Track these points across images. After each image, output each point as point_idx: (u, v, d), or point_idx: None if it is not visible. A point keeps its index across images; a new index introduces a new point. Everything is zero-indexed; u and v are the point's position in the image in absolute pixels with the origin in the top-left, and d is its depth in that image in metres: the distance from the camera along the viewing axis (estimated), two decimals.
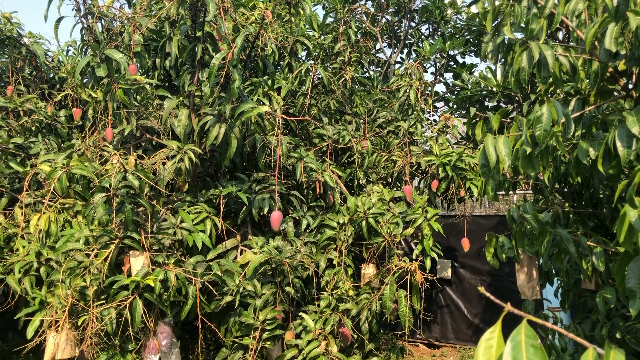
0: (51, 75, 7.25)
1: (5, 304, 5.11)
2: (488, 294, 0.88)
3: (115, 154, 4.09)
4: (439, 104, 9.69)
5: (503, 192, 3.52)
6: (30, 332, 4.38)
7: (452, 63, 9.36)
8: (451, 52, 9.11)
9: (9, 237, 5.40)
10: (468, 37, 8.96)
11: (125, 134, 5.10)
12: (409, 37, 9.61)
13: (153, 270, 4.10)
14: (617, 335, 2.99)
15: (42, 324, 4.34)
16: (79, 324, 4.08)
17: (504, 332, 0.89)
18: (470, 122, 3.13)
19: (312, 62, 6.58)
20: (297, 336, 4.99)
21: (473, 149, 6.40)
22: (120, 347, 4.29)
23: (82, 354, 4.27)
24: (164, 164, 4.68)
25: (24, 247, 5.11)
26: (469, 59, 44.84)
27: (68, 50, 7.48)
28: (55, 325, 4.20)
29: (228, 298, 4.57)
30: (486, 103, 8.04)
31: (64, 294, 4.15)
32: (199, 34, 5.02)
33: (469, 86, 7.79)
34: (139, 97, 5.36)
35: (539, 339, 0.80)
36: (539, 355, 0.77)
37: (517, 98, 6.66)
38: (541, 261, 3.15)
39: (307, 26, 7.67)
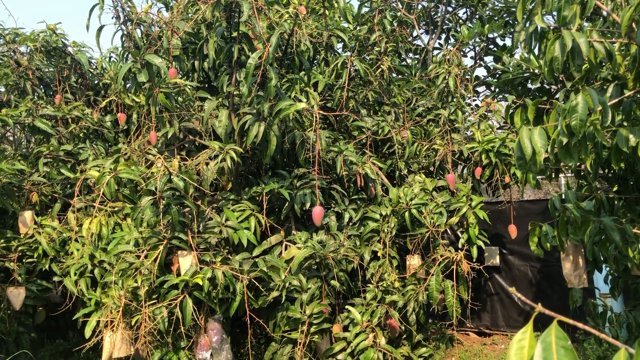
0: (95, 82, 7.48)
1: (64, 305, 5.35)
2: (519, 295, 0.88)
3: (159, 157, 4.20)
4: (480, 89, 9.51)
5: (546, 178, 3.45)
6: (88, 332, 4.57)
7: (492, 46, 9.16)
8: (490, 35, 8.91)
9: (64, 241, 5.63)
10: (507, 18, 8.74)
11: (169, 136, 5.23)
12: (446, 22, 9.44)
13: (201, 269, 4.21)
14: None
15: (99, 323, 4.52)
16: (133, 323, 4.23)
17: (546, 324, 0.89)
18: (509, 110, 3.07)
19: (348, 54, 6.57)
20: (345, 329, 5.02)
21: (516, 134, 6.26)
22: (172, 345, 4.42)
23: (137, 352, 4.43)
24: (207, 164, 4.78)
25: (78, 250, 5.32)
26: (509, 41, 43.62)
27: (110, 57, 7.71)
28: (110, 325, 4.37)
29: (275, 293, 4.65)
30: (529, 85, 7.84)
31: (117, 294, 4.30)
32: (234, 34, 5.09)
33: (510, 69, 7.61)
34: (180, 100, 5.48)
35: (569, 341, 0.80)
36: (569, 356, 0.77)
37: (561, 79, 6.47)
38: (586, 249, 3.08)
39: (341, 18, 7.64)
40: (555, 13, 2.14)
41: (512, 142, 5.87)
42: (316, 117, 4.57)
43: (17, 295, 5.63)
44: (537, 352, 0.77)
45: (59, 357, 7.09)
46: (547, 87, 6.97)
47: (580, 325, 0.85)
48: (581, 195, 2.93)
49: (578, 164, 3.02)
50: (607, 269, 3.55)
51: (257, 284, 4.41)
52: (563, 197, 2.75)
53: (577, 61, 2.05)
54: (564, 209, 2.64)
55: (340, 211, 5.47)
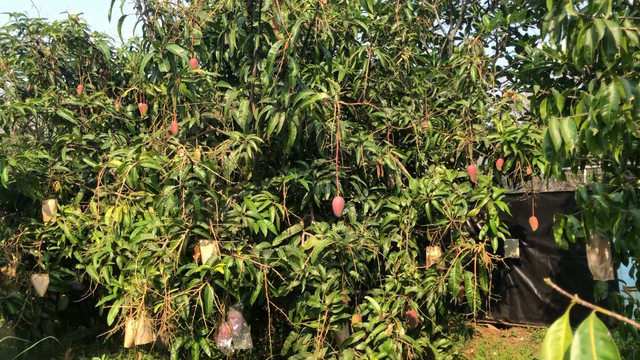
0: (117, 72, 7.54)
1: (86, 293, 5.43)
2: (555, 286, 0.87)
3: (181, 147, 4.23)
4: (502, 79, 9.40)
5: (571, 169, 3.40)
6: (110, 319, 4.64)
7: (513, 36, 9.04)
8: (512, 25, 8.80)
9: (86, 229, 5.71)
10: (530, 8, 8.61)
11: (190, 126, 5.26)
12: (467, 11, 9.34)
13: (222, 258, 4.24)
14: None
15: (121, 311, 4.58)
16: (155, 311, 4.28)
17: (573, 317, 0.88)
18: (534, 100, 3.02)
19: (369, 44, 6.53)
20: (364, 319, 5.03)
21: (538, 125, 6.18)
22: (194, 332, 4.47)
23: (158, 339, 4.49)
24: (227, 154, 4.80)
25: (100, 238, 5.39)
26: (532, 31, 43.05)
27: (131, 47, 7.76)
28: (132, 312, 4.43)
29: (295, 283, 4.67)
30: (551, 76, 7.72)
31: (139, 282, 4.36)
32: (255, 24, 5.08)
33: (533, 59, 7.51)
34: (200, 90, 5.50)
35: (609, 332, 0.78)
36: (609, 348, 0.76)
37: (584, 69, 6.36)
38: (614, 241, 3.04)
39: (362, 8, 7.59)
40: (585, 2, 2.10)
41: (534, 134, 5.81)
42: (337, 107, 4.56)
43: (41, 282, 5.73)
44: (574, 343, 0.76)
45: (81, 343, 7.22)
46: (570, 77, 6.87)
47: (618, 316, 0.83)
48: (608, 186, 2.89)
49: (605, 157, 2.98)
50: (634, 261, 3.50)
51: (277, 273, 4.43)
52: (590, 188, 2.71)
53: (609, 50, 2.01)
54: (591, 200, 2.61)
55: (359, 202, 5.46)
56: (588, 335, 0.77)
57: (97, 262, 5.18)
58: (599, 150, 2.01)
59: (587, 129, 2.00)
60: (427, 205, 5.27)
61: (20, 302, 5.92)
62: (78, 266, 5.76)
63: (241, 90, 5.21)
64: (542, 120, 5.59)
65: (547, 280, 0.92)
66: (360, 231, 5.17)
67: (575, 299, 0.84)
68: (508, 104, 6.55)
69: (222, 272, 4.11)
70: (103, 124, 6.77)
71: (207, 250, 4.32)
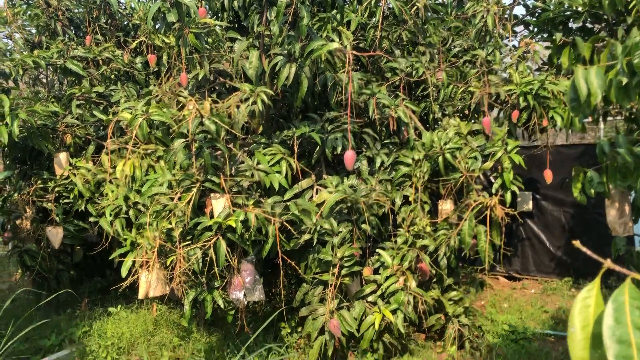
0: (125, 22, 7.40)
1: (100, 245, 5.48)
2: (585, 249, 0.82)
3: (190, 99, 4.16)
4: (518, 28, 9.10)
5: (592, 121, 3.31)
6: (124, 272, 4.69)
7: None
8: None
9: (98, 182, 5.72)
10: None
11: (199, 78, 5.17)
12: None
13: (234, 211, 4.23)
14: None
15: (134, 263, 4.63)
16: (167, 264, 4.31)
17: (586, 271, 0.83)
18: (555, 50, 2.90)
19: None
20: (375, 272, 5.05)
21: (556, 75, 6.00)
22: (207, 285, 4.51)
23: (172, 291, 4.54)
24: (238, 107, 4.73)
25: (112, 191, 5.40)
26: None
27: None
28: (146, 265, 4.47)
29: (306, 236, 4.67)
30: (570, 24, 7.46)
31: (152, 236, 4.37)
32: None
33: (551, 7, 7.24)
34: (210, 40, 5.38)
35: None
36: None
37: (605, 17, 6.12)
38: (633, 195, 2.97)
39: None
40: None
41: (551, 84, 5.64)
42: (349, 58, 4.44)
43: (55, 235, 5.80)
44: (607, 312, 0.71)
45: (97, 294, 7.36)
46: (590, 26, 6.63)
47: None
48: (632, 139, 2.79)
49: (630, 108, 2.88)
50: None
51: (289, 227, 4.43)
52: (612, 141, 2.61)
53: None
54: (614, 153, 2.52)
55: (371, 155, 5.39)
56: (623, 303, 0.72)
57: (110, 215, 5.21)
58: (627, 100, 1.91)
59: (615, 78, 1.90)
60: (440, 158, 5.20)
61: (36, 254, 6.02)
62: (91, 219, 5.81)
63: (251, 40, 5.08)
64: (560, 70, 5.42)
65: (576, 243, 0.87)
66: (372, 185, 5.13)
67: (608, 263, 0.79)
68: (525, 54, 6.35)
69: (234, 225, 4.11)
70: (112, 76, 6.70)
71: (219, 204, 4.30)
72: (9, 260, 7.42)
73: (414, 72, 5.87)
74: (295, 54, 4.53)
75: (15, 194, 6.00)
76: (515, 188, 5.46)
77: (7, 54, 6.81)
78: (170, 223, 4.35)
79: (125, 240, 5.04)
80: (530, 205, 7.93)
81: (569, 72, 5.90)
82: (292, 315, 5.38)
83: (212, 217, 4.32)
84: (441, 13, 7.41)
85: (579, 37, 2.37)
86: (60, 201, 5.87)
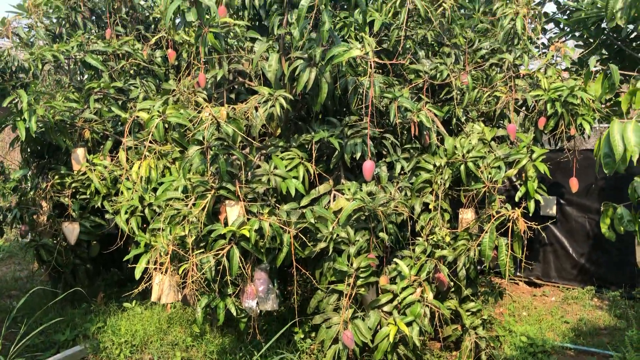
0: (146, 14, 7.32)
1: (117, 241, 5.45)
2: None
3: (207, 105, 4.07)
4: (548, 26, 8.82)
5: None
6: (137, 273, 4.67)
7: None
8: None
9: (115, 179, 5.68)
10: None
11: (218, 78, 5.07)
12: None
13: (248, 220, 4.15)
14: None
15: (148, 264, 4.59)
16: (180, 272, 4.26)
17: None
18: (588, 77, 2.74)
19: None
20: (392, 281, 4.94)
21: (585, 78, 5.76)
22: (219, 292, 4.46)
23: (184, 298, 4.50)
24: (256, 109, 4.63)
25: (128, 189, 5.36)
26: None
27: None
28: (160, 267, 4.42)
29: (322, 244, 4.58)
30: (603, 25, 7.18)
31: (165, 242, 4.32)
32: None
33: (583, 7, 6.98)
34: (230, 40, 5.27)
35: None
36: None
37: None
38: None
39: None
40: None
41: (581, 92, 5.43)
42: (371, 64, 4.30)
43: (71, 230, 5.80)
44: None
45: (114, 286, 7.39)
46: (623, 26, 6.35)
47: None
48: None
49: None
50: None
51: (303, 238, 4.34)
52: None
53: None
54: None
55: (392, 161, 5.26)
56: None
57: (126, 213, 5.17)
58: None
59: None
60: (462, 166, 5.04)
61: (53, 249, 6.03)
62: (107, 216, 5.79)
63: (271, 42, 4.96)
64: (590, 75, 5.18)
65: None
66: (391, 192, 5.00)
67: None
68: (554, 57, 6.12)
69: (248, 235, 4.03)
70: (132, 71, 6.64)
71: (233, 212, 4.23)
72: (26, 252, 7.48)
73: (438, 75, 5.70)
74: (316, 58, 4.40)
75: (32, 192, 6.01)
76: (539, 197, 5.30)
77: (29, 42, 6.79)
78: (183, 229, 4.30)
79: (140, 240, 5.00)
80: (554, 210, 7.73)
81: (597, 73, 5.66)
82: (305, 319, 5.31)
83: (226, 224, 4.24)
84: (468, 9, 7.17)
85: (613, 65, 2.20)
86: (77, 197, 5.86)
